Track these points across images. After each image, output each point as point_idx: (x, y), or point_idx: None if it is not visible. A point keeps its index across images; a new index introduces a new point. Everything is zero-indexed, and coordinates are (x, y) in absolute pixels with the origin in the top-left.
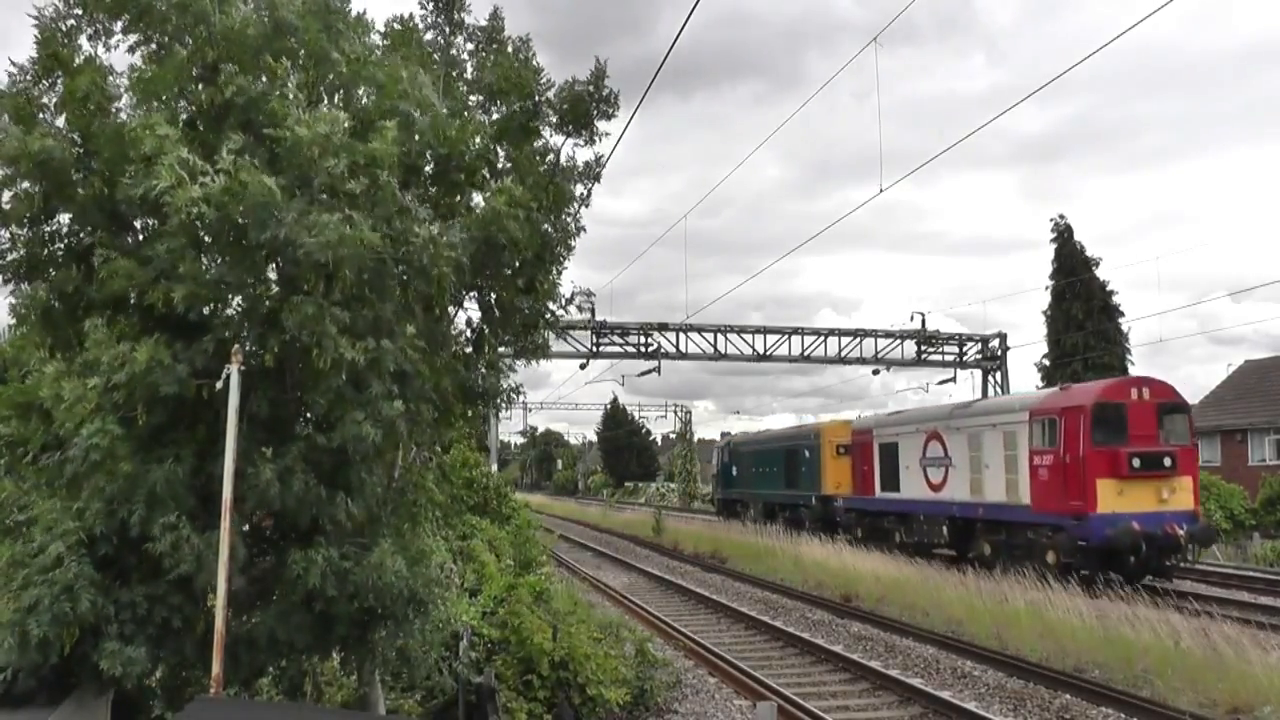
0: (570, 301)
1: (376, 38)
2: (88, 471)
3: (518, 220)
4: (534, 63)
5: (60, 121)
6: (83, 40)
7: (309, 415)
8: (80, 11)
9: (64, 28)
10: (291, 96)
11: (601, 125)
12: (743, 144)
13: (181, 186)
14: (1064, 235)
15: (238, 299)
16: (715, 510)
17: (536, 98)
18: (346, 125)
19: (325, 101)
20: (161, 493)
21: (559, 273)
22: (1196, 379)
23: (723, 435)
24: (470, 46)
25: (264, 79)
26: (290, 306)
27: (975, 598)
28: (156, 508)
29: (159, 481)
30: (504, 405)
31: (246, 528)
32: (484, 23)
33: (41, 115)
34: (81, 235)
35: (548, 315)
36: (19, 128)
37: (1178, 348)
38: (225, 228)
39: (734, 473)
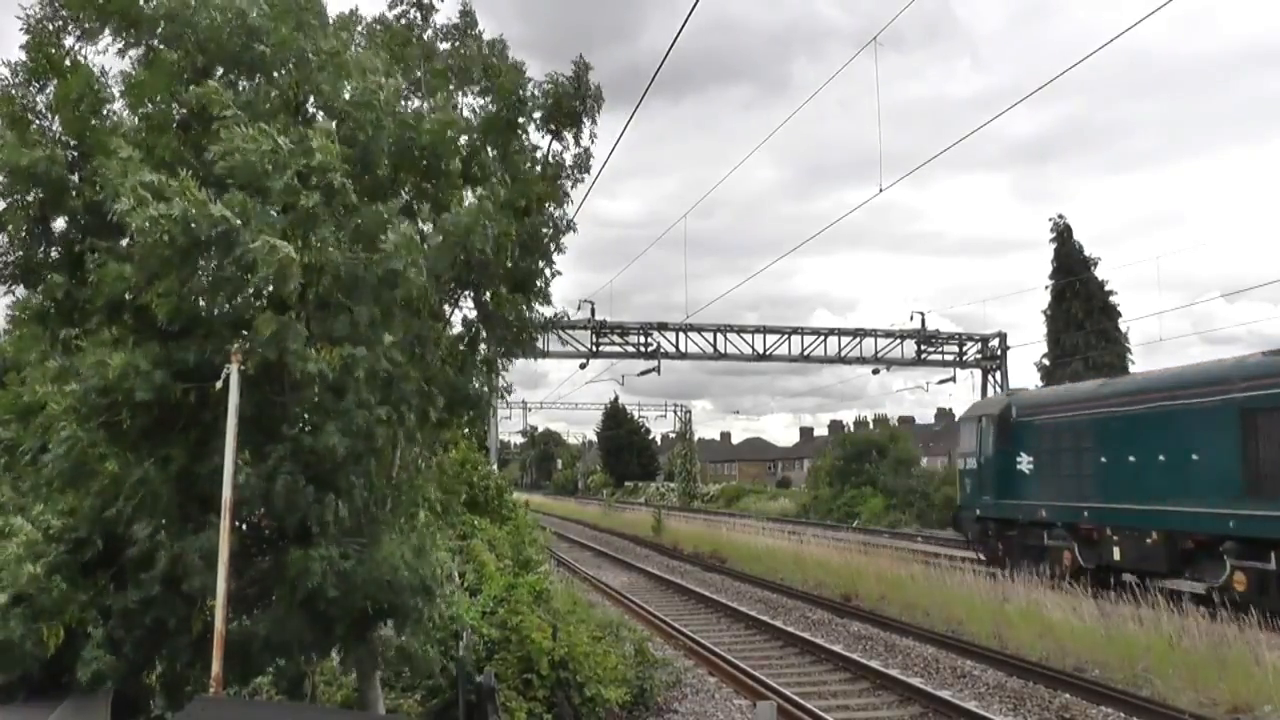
0: (554, 324)
1: (353, 35)
2: (65, 474)
3: (492, 229)
4: (510, 58)
5: (54, 125)
6: (69, 40)
7: (301, 417)
8: (66, 13)
9: (51, 28)
10: (231, 115)
11: (589, 125)
12: (735, 146)
13: (142, 206)
14: (1063, 235)
15: (220, 307)
16: (968, 539)
17: (522, 92)
18: (312, 132)
19: (310, 101)
20: (141, 494)
21: (552, 272)
22: None
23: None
24: (445, 46)
25: (244, 84)
26: (257, 323)
27: (975, 597)
28: (137, 509)
29: (136, 483)
30: (496, 408)
31: (244, 528)
32: (456, 20)
33: (36, 121)
34: (76, 241)
35: (540, 315)
36: (13, 134)
37: (1173, 348)
38: (192, 246)
39: (1022, 466)
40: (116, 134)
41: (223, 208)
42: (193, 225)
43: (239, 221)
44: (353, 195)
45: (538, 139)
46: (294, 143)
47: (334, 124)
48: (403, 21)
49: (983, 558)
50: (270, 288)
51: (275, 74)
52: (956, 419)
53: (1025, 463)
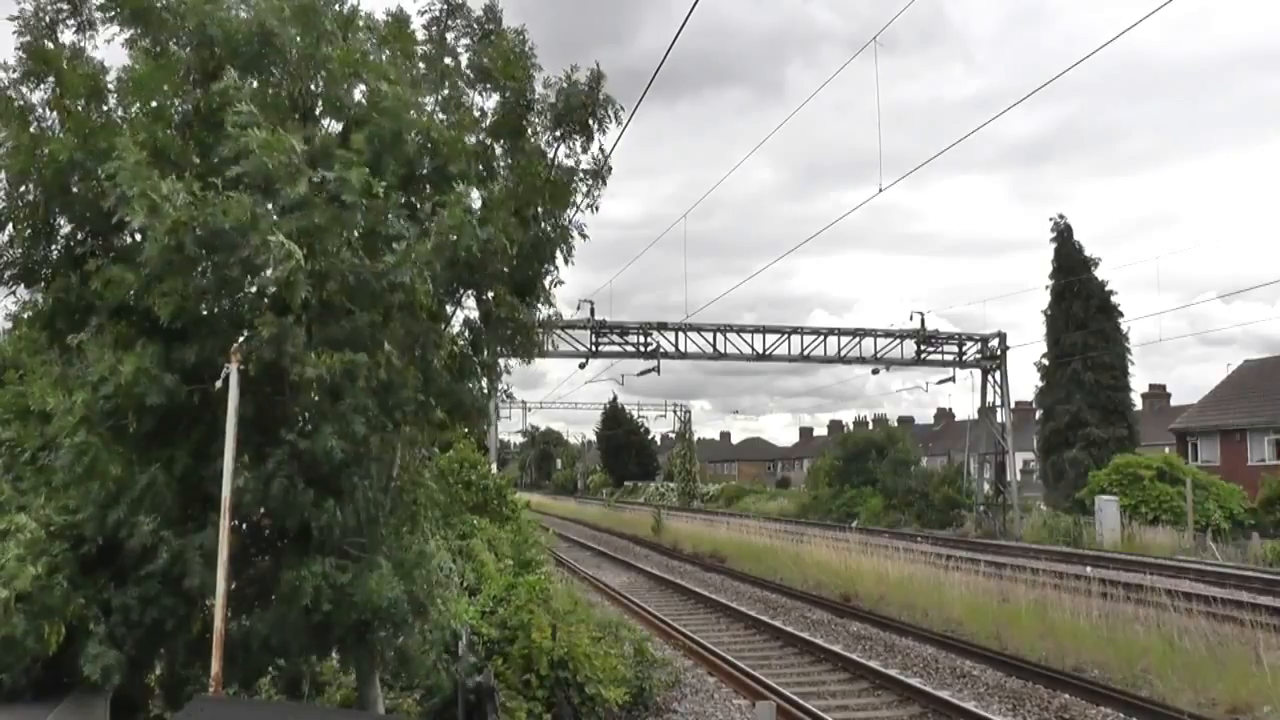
0: (554, 324)
1: (365, 35)
2: (74, 480)
3: (479, 229)
4: (528, 50)
5: (51, 121)
6: (68, 34)
7: (301, 419)
8: (65, 4)
9: (45, 19)
10: (247, 110)
11: (599, 135)
12: (732, 148)
13: (155, 215)
14: (1063, 235)
15: (221, 306)
16: None
17: (532, 92)
18: (316, 142)
19: (317, 107)
20: (144, 496)
21: (556, 277)
22: (1190, 379)
23: None
24: (466, 41)
25: (254, 84)
26: (258, 324)
27: (975, 597)
28: (140, 511)
29: (140, 486)
30: (497, 409)
31: (244, 527)
32: (479, 12)
33: (36, 123)
34: (78, 240)
35: (543, 316)
36: (26, 133)
37: (1170, 348)
38: (201, 245)
39: None
40: (120, 134)
41: (234, 211)
42: (198, 231)
43: (247, 221)
44: (363, 216)
45: (545, 139)
46: (306, 144)
47: (343, 126)
48: (427, 17)
49: None
50: (273, 288)
51: (286, 77)
52: None
53: None
